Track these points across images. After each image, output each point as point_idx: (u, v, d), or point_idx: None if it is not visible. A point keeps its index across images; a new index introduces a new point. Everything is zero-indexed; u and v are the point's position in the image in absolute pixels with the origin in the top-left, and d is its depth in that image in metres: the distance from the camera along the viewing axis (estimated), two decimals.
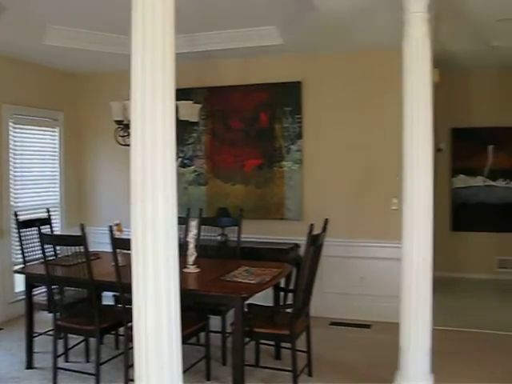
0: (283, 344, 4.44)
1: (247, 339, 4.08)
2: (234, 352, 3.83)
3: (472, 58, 6.88)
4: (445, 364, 4.43)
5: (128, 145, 3.64)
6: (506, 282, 7.78)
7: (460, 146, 8.01)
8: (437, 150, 7.04)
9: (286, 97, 6.11)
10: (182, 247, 4.79)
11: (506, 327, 5.66)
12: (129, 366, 3.83)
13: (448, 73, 7.05)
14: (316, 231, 3.99)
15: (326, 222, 4.22)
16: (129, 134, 4.29)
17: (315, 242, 3.99)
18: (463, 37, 5.78)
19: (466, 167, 8.03)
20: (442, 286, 6.89)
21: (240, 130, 6.29)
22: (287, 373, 4.05)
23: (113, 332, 4.66)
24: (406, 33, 3.70)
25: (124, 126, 4.59)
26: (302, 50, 5.88)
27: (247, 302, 3.87)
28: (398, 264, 3.83)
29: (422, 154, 3.67)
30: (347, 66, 5.97)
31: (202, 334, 4.44)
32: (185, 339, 3.72)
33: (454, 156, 8.06)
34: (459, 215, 8.10)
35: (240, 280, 4.05)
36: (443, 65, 6.47)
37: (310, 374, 4.33)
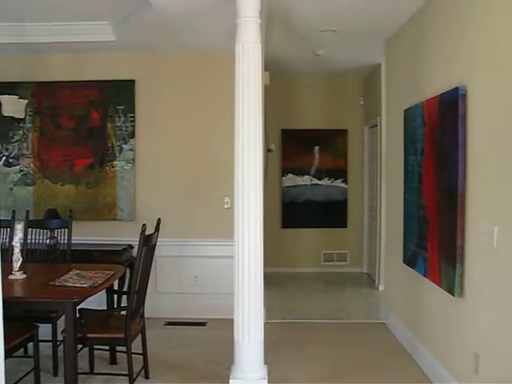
0: (119, 348, 4.33)
1: (80, 346, 3.92)
2: (67, 361, 3.65)
3: (300, 63, 7.30)
4: (277, 355, 4.64)
5: None
6: (330, 275, 8.36)
7: (289, 147, 8.43)
8: (267, 151, 7.32)
9: (118, 95, 5.97)
10: (7, 252, 4.49)
11: (330, 316, 6.09)
12: None
13: (278, 76, 7.38)
14: (149, 231, 3.95)
15: (159, 221, 4.20)
16: None
17: (148, 243, 3.95)
18: (292, 44, 6.11)
19: (294, 167, 8.46)
20: (273, 281, 7.21)
21: (70, 128, 6.01)
22: (123, 377, 3.96)
23: None
24: (238, 36, 3.79)
25: None
26: (137, 48, 5.77)
27: (79, 306, 3.71)
28: (232, 262, 3.91)
29: (252, 154, 3.79)
30: (182, 67, 5.98)
31: (31, 345, 4.17)
32: (10, 352, 3.48)
33: (283, 156, 8.46)
34: (288, 213, 8.51)
35: (71, 284, 3.87)
36: (274, 69, 6.76)
37: (146, 376, 4.27)
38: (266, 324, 4.13)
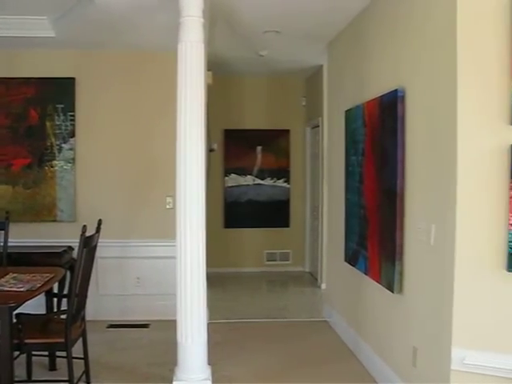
0: (59, 353, 4.22)
1: (17, 353, 3.79)
2: (1, 369, 3.52)
3: (243, 63, 7.32)
4: (221, 355, 4.64)
5: None
6: (273, 274, 8.42)
7: (232, 147, 8.43)
8: (209, 151, 7.30)
9: (58, 93, 5.81)
10: None
11: (274, 315, 6.13)
12: None
13: (221, 76, 7.37)
14: (90, 232, 3.87)
15: (100, 222, 4.13)
16: None
17: (89, 244, 3.87)
18: (235, 44, 6.11)
19: (237, 167, 8.47)
20: (216, 281, 7.20)
21: (6, 126, 5.80)
22: (64, 383, 3.86)
23: None
24: (181, 36, 3.76)
25: None
26: (77, 45, 5.62)
27: (16, 311, 3.59)
28: (175, 262, 3.88)
29: (194, 154, 3.77)
30: (125, 65, 5.88)
31: None
32: None
33: (226, 156, 8.45)
34: (231, 213, 8.52)
35: (7, 289, 3.75)
36: (217, 68, 6.74)
37: (88, 381, 4.17)
38: (209, 324, 4.12)
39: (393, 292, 3.82)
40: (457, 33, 2.95)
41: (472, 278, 2.96)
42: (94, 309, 5.18)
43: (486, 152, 2.91)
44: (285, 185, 8.58)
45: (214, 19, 4.81)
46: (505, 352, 2.91)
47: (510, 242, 2.83)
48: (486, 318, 2.95)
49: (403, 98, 3.70)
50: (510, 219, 2.83)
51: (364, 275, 4.49)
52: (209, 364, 3.97)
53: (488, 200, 2.91)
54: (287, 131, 8.54)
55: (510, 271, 2.85)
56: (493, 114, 2.89)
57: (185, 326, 3.82)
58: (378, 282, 4.14)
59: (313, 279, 8.03)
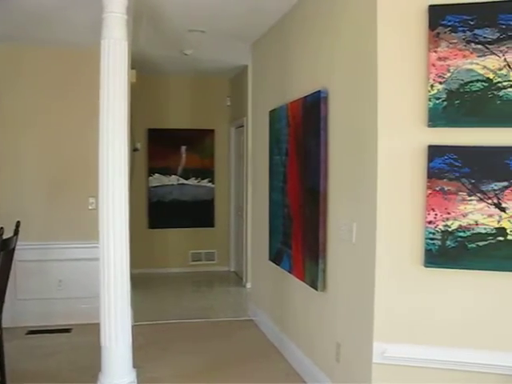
0: None
1: None
2: None
3: (168, 62, 7.24)
4: (146, 357, 4.59)
5: None
6: (199, 274, 8.40)
7: (156, 146, 8.33)
8: (133, 150, 7.19)
9: None
10: None
11: (200, 315, 6.11)
12: None
13: (146, 74, 7.27)
14: (7, 235, 3.72)
15: (18, 224, 3.97)
16: None
17: (6, 247, 3.72)
18: (160, 42, 6.04)
19: (161, 167, 8.38)
20: (141, 282, 7.11)
21: None
22: None
23: None
24: (104, 32, 3.67)
25: None
26: None
27: None
28: (98, 264, 3.79)
29: (117, 153, 3.69)
30: (44, 62, 5.67)
31: None
32: None
33: (150, 156, 8.34)
34: (155, 213, 8.41)
35: None
36: (141, 66, 6.65)
37: None
38: (134, 326, 4.05)
39: (316, 290, 3.90)
40: (377, 36, 3.06)
41: (392, 274, 3.07)
42: (11, 315, 4.98)
43: (404, 152, 3.02)
44: (209, 184, 8.57)
45: (139, 16, 4.73)
46: (423, 344, 3.04)
47: (426, 238, 2.96)
48: (406, 312, 3.06)
49: (326, 98, 3.78)
50: (426, 217, 2.96)
51: (288, 274, 4.56)
52: (134, 367, 3.89)
53: (407, 198, 3.03)
54: (212, 131, 8.53)
55: (426, 266, 2.98)
56: (411, 116, 3.01)
57: (109, 329, 3.74)
58: (302, 280, 4.21)
59: (238, 278, 8.06)
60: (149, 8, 4.66)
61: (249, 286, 7.14)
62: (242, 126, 7.61)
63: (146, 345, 4.94)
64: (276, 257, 4.92)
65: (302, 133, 4.19)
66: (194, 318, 6.00)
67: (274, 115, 4.97)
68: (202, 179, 8.54)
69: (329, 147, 3.81)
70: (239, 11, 4.77)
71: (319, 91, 3.82)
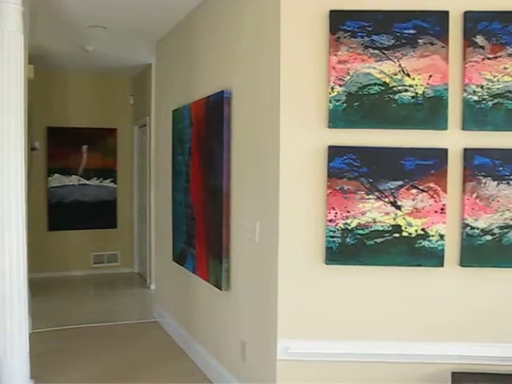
0: None
1: None
2: None
3: (68, 58, 6.99)
4: (46, 366, 4.38)
5: None
6: (101, 276, 8.18)
7: (55, 146, 8.01)
8: (31, 149, 6.88)
9: None
10: None
11: (103, 319, 5.95)
12: None
13: (45, 70, 6.98)
14: None
15: None
16: None
17: None
18: (59, 37, 5.82)
19: (61, 166, 8.08)
20: (40, 287, 6.82)
21: None
22: None
23: None
24: None
25: None
26: None
27: None
28: None
29: (13, 153, 3.51)
30: None
31: None
32: None
33: (49, 155, 8.01)
34: (55, 214, 8.10)
35: None
36: (40, 62, 6.37)
37: None
38: (32, 334, 3.88)
39: (221, 289, 3.91)
40: (280, 38, 3.11)
41: (294, 272, 3.14)
42: None
43: (306, 152, 3.09)
44: (112, 185, 8.37)
45: (36, 8, 4.53)
46: (326, 339, 3.12)
47: (327, 236, 3.05)
48: (308, 308, 3.14)
49: (229, 98, 3.80)
50: (327, 215, 3.04)
51: (192, 274, 4.54)
52: (31, 378, 3.72)
53: (308, 198, 3.10)
54: (114, 130, 8.33)
55: (327, 264, 3.07)
56: (312, 117, 3.08)
57: (3, 339, 3.54)
58: (206, 280, 4.21)
59: (142, 280, 7.93)
60: (46, 1, 4.48)
61: (153, 287, 7.05)
62: (145, 126, 7.50)
63: (46, 353, 4.73)
64: (180, 257, 4.88)
65: (205, 133, 4.19)
66: (98, 322, 5.83)
67: (177, 115, 4.93)
68: (105, 179, 8.33)
69: (232, 147, 3.83)
70: (142, 8, 4.69)
71: (222, 91, 3.83)
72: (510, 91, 2.99)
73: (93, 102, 8.12)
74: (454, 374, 3.03)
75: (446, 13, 2.99)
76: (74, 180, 8.17)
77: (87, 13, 4.92)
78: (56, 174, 8.09)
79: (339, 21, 3.02)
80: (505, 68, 2.99)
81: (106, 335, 5.45)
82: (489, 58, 3.00)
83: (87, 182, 8.23)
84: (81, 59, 6.99)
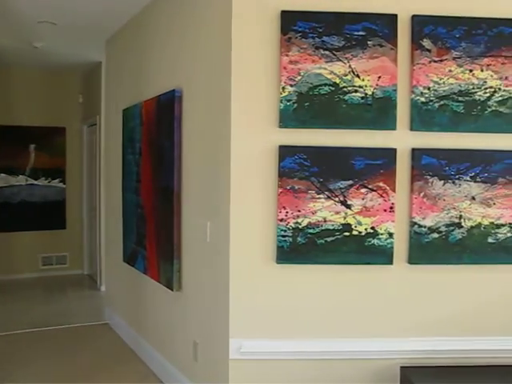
0: None
1: None
2: None
3: (14, 55, 6.79)
4: None
5: None
6: (50, 279, 7.98)
7: (2, 145, 7.78)
8: None
9: None
10: None
11: (52, 322, 5.81)
12: None
13: None
14: None
15: None
16: None
17: None
18: (5, 32, 5.65)
19: (7, 166, 7.84)
20: None
21: None
22: None
23: None
24: None
25: None
26: None
27: None
28: None
29: None
30: None
31: None
32: None
33: None
34: (1, 215, 7.87)
35: None
36: None
37: None
38: None
39: (172, 290, 3.88)
40: (232, 37, 3.10)
41: (246, 271, 3.14)
42: None
43: (257, 152, 3.10)
44: (60, 185, 8.18)
45: None
46: (277, 337, 3.14)
47: (278, 235, 3.06)
48: (260, 307, 3.14)
49: (180, 98, 3.78)
50: (278, 215, 3.06)
51: (143, 275, 4.48)
52: None
53: (260, 197, 3.11)
54: (63, 129, 8.15)
55: (278, 263, 3.08)
56: (264, 116, 3.08)
57: None
58: (157, 280, 4.17)
59: (92, 282, 7.79)
60: None
61: (103, 288, 6.94)
62: (95, 125, 7.37)
63: None
64: (130, 258, 4.82)
65: (156, 132, 4.15)
66: (46, 326, 5.68)
67: (127, 114, 4.86)
68: (53, 179, 8.14)
69: (183, 147, 3.80)
70: (93, 3, 4.61)
71: (173, 90, 3.80)
72: (455, 93, 3.08)
73: (41, 100, 7.91)
74: (402, 368, 3.11)
75: (395, 16, 3.05)
76: (21, 180, 7.96)
77: (35, 8, 4.78)
78: (2, 174, 7.86)
79: (290, 21, 3.04)
80: (450, 71, 3.08)
81: (55, 339, 5.32)
82: (435, 61, 3.07)
83: (35, 182, 8.03)
84: (29, 56, 6.81)
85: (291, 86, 3.04)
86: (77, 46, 6.35)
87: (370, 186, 3.06)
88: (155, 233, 4.20)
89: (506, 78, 3.10)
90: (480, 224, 3.11)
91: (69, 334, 5.50)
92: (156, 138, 4.16)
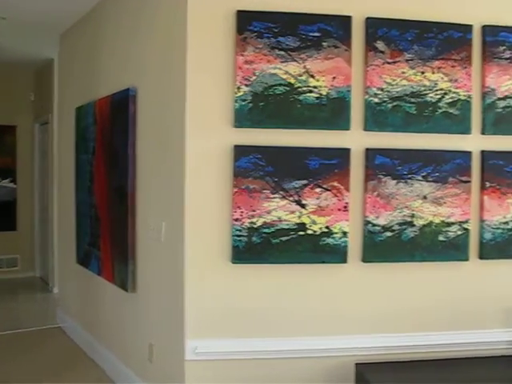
0: None
1: None
2: None
3: None
4: None
5: None
6: (0, 282, 7.76)
7: None
8: None
9: None
10: None
11: (1, 327, 5.65)
12: None
13: None
14: None
15: None
16: None
17: None
18: None
19: None
20: None
21: None
22: None
23: None
24: None
25: None
26: None
27: None
28: None
29: None
30: None
31: None
32: None
33: None
34: None
35: None
36: None
37: None
38: None
39: (127, 291, 3.83)
40: (187, 36, 3.07)
41: (201, 271, 3.12)
42: None
43: (212, 152, 3.08)
44: (11, 185, 7.97)
45: None
46: (233, 337, 3.13)
47: (233, 235, 3.05)
48: (216, 308, 3.13)
49: (135, 97, 3.73)
50: (233, 215, 3.05)
51: (97, 276, 4.41)
52: None
53: (215, 197, 3.09)
54: (13, 127, 7.94)
55: (234, 263, 3.08)
56: (219, 116, 3.08)
57: None
58: (111, 282, 4.11)
59: (44, 284, 7.62)
60: None
61: (56, 291, 6.80)
62: (48, 123, 7.21)
63: None
64: (84, 259, 4.73)
65: (110, 131, 4.09)
66: None
67: (80, 112, 4.78)
68: (3, 179, 7.93)
69: (137, 146, 3.76)
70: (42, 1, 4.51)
71: (128, 89, 3.75)
72: (407, 94, 3.13)
73: None
74: (357, 365, 3.14)
75: (349, 18, 3.09)
76: None
77: None
78: None
79: (246, 21, 3.03)
80: (403, 72, 3.13)
81: (5, 344, 5.16)
82: (388, 63, 3.13)
83: None
84: None
85: (246, 85, 3.03)
86: (28, 41, 6.18)
87: (324, 186, 3.08)
88: (109, 233, 4.14)
89: (456, 81, 3.17)
90: (431, 222, 3.18)
91: (19, 339, 5.35)
92: (110, 137, 4.10)
